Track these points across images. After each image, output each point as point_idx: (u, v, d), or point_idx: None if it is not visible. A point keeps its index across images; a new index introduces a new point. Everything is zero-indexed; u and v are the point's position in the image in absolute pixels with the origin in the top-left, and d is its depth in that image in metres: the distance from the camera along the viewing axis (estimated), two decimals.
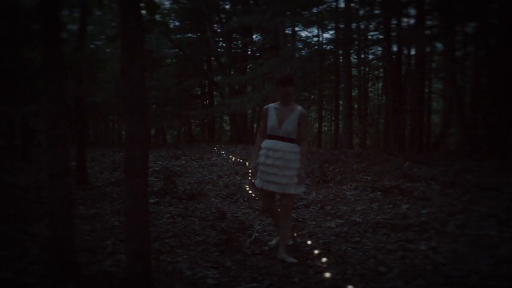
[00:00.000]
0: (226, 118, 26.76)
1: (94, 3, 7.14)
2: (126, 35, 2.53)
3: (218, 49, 22.73)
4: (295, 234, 4.66)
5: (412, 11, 14.46)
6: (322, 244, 4.33)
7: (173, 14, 23.07)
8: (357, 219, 5.23)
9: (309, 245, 4.29)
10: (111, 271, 3.42)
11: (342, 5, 16.88)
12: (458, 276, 3.27)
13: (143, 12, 2.74)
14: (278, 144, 3.93)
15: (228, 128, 27.80)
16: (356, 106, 21.24)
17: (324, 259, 3.80)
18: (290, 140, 3.92)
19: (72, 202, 3.26)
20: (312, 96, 24.35)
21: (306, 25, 20.38)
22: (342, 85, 17.82)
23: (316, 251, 4.03)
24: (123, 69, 2.56)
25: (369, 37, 18.52)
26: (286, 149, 3.89)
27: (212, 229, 4.88)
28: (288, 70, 3.72)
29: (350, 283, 3.24)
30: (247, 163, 10.97)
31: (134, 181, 2.62)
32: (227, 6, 22.48)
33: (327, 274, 3.42)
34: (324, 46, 20.57)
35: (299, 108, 3.97)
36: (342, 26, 17.08)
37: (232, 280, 3.39)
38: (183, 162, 11.89)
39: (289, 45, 18.94)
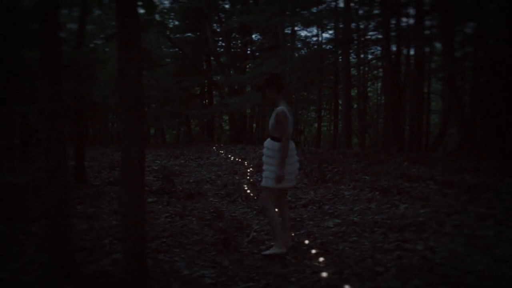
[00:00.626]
0: (226, 117, 26.76)
1: (94, 2, 7.14)
2: (123, 35, 2.53)
3: (218, 49, 22.70)
4: (293, 234, 4.66)
5: (412, 11, 14.48)
6: (319, 243, 4.34)
7: (172, 14, 23.04)
8: (355, 218, 5.23)
9: (306, 244, 4.30)
10: (109, 270, 3.43)
11: (341, 4, 16.90)
12: (455, 276, 3.27)
13: (141, 11, 2.75)
14: (265, 141, 4.24)
15: (227, 127, 27.79)
16: (355, 106, 21.23)
17: (321, 259, 3.81)
18: (272, 138, 4.14)
19: (70, 201, 3.26)
20: (312, 96, 24.35)
21: (306, 25, 20.38)
22: (341, 85, 17.83)
23: (313, 251, 4.04)
24: (121, 68, 2.56)
25: (368, 37, 18.52)
26: (267, 145, 4.18)
27: (210, 229, 4.89)
28: (266, 75, 3.81)
29: (347, 283, 3.25)
30: (245, 162, 10.98)
31: (131, 180, 2.63)
32: (227, 6, 22.46)
33: (324, 274, 3.43)
34: (324, 45, 20.58)
35: (279, 107, 4.11)
36: (341, 25, 17.09)
37: (229, 280, 3.40)
38: (182, 161, 11.88)
39: (289, 44, 18.95)
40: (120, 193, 2.72)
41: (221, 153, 13.90)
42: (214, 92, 25.83)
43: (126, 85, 2.56)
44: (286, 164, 4.04)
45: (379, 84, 22.47)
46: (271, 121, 4.13)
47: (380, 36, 16.49)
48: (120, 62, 2.57)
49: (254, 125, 25.66)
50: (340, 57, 17.66)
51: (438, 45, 15.22)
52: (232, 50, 22.84)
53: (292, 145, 4.17)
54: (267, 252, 4.07)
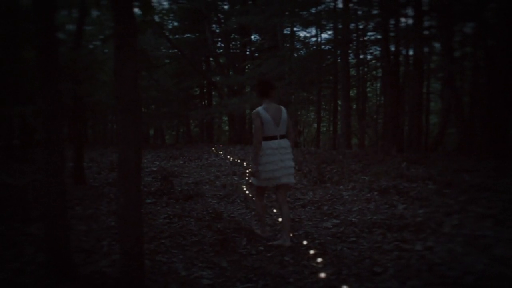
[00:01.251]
0: (225, 118, 26.77)
1: (92, 3, 7.14)
2: (119, 36, 2.53)
3: (217, 49, 22.72)
4: (291, 234, 4.66)
5: (410, 11, 14.48)
6: (318, 244, 4.33)
7: (171, 15, 23.07)
8: (354, 219, 5.23)
9: (305, 245, 4.29)
10: (107, 271, 3.43)
11: (340, 5, 16.91)
12: (454, 276, 3.27)
13: (138, 12, 2.75)
14: None
15: (226, 128, 27.80)
16: (354, 106, 21.23)
17: (319, 259, 3.80)
18: None
19: (69, 203, 3.26)
20: (311, 96, 24.35)
21: (305, 25, 20.38)
22: (340, 85, 17.83)
23: (311, 251, 4.03)
24: (116, 69, 2.56)
25: (367, 37, 18.54)
26: None
27: (208, 230, 4.88)
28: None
29: (345, 283, 3.24)
30: (244, 163, 10.98)
31: (127, 181, 2.62)
32: (226, 7, 22.47)
33: (322, 274, 3.42)
34: (323, 46, 20.59)
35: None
36: (340, 26, 17.10)
37: (227, 281, 3.39)
38: (181, 162, 11.89)
39: (288, 45, 18.95)
40: (117, 194, 2.71)
41: (220, 153, 13.91)
42: (213, 92, 25.85)
43: (122, 86, 2.55)
44: (261, 162, 4.32)
45: (379, 84, 22.47)
46: None
47: (379, 37, 16.51)
48: (116, 63, 2.57)
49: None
50: (339, 58, 17.68)
51: (437, 45, 15.27)
52: (231, 50, 22.86)
53: (276, 144, 4.36)
54: (256, 230, 4.74)
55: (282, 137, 4.42)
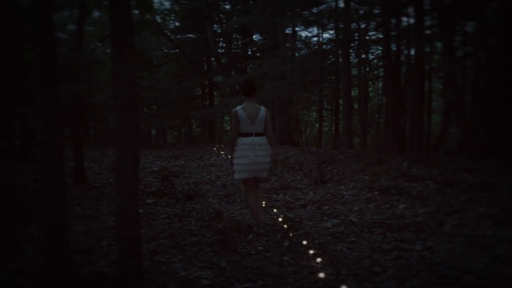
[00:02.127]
0: (227, 118, 26.75)
1: (91, 3, 7.14)
2: (116, 36, 2.52)
3: (218, 49, 22.68)
4: (291, 234, 4.66)
5: (412, 11, 14.43)
6: (317, 244, 4.33)
7: (173, 15, 23.06)
8: (354, 219, 5.22)
9: (304, 245, 4.29)
10: (106, 271, 3.43)
11: (341, 4, 16.87)
12: (453, 276, 3.26)
13: (135, 11, 2.74)
14: None
15: (228, 128, 27.77)
16: (356, 106, 21.19)
17: (319, 259, 3.80)
18: None
19: (69, 203, 3.26)
20: (313, 96, 24.31)
21: (306, 25, 20.31)
22: (342, 85, 17.79)
23: (311, 251, 4.03)
24: (114, 69, 2.56)
25: (369, 37, 18.48)
26: None
27: (208, 230, 4.88)
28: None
29: (344, 283, 3.24)
30: None
31: (125, 181, 2.62)
32: (227, 6, 22.44)
33: (321, 274, 3.42)
34: (324, 46, 20.54)
35: None
36: (341, 26, 17.06)
37: (226, 281, 3.39)
38: (182, 162, 11.88)
39: (289, 45, 18.92)
40: (115, 194, 2.71)
41: (221, 153, 13.90)
42: (215, 92, 25.82)
43: (120, 87, 2.55)
44: (235, 156, 4.73)
45: (380, 84, 22.40)
46: None
47: (380, 36, 16.44)
48: (113, 63, 2.56)
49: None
50: (341, 57, 17.64)
51: (438, 44, 15.20)
52: (233, 50, 22.82)
53: (250, 141, 4.68)
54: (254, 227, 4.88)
55: (258, 134, 4.74)
